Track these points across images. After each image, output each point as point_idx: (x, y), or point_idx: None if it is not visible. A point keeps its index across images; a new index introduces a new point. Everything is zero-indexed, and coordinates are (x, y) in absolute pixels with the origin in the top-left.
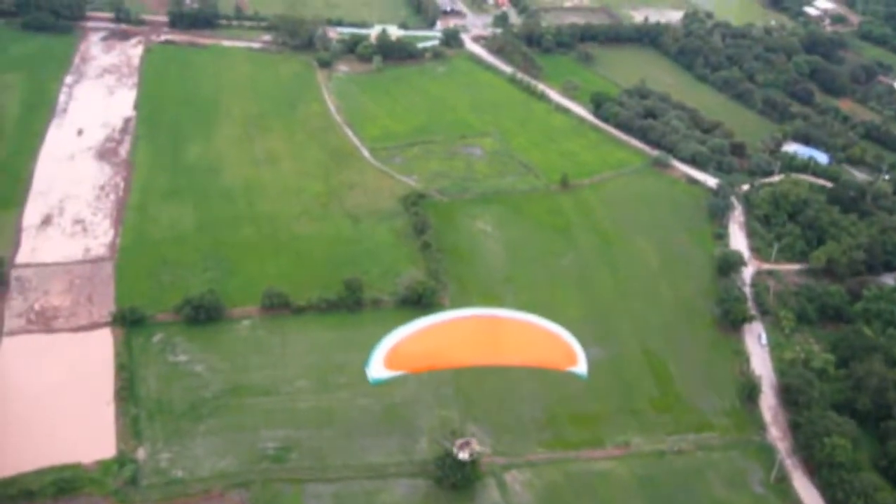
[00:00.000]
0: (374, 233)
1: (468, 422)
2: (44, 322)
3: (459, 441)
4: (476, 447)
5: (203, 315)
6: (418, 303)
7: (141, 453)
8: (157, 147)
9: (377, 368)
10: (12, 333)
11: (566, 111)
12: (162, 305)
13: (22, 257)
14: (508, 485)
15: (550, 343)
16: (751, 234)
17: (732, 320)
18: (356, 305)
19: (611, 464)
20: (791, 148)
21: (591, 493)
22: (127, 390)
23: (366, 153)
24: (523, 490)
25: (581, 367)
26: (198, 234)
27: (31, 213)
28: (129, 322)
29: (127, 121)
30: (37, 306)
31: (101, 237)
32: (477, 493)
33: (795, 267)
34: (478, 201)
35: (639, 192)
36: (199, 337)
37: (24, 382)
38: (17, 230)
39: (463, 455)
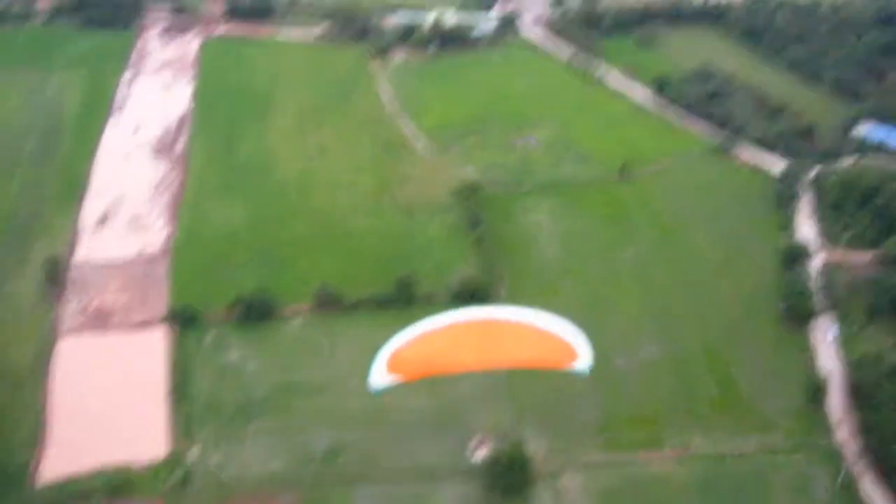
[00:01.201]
0: (428, 227)
1: (522, 423)
2: (99, 321)
3: (475, 441)
4: (491, 446)
5: (254, 314)
6: (471, 298)
7: (192, 454)
8: (211, 143)
9: (377, 377)
10: (69, 333)
11: (626, 96)
12: (214, 304)
13: (79, 257)
14: (562, 489)
15: (549, 342)
16: (819, 222)
17: (798, 315)
18: (408, 302)
19: (669, 467)
20: (863, 129)
21: (648, 497)
22: (179, 390)
23: (420, 144)
24: (578, 494)
25: (582, 363)
26: (250, 230)
27: (89, 213)
28: (182, 321)
29: (182, 117)
30: (93, 306)
31: (155, 235)
32: (530, 497)
33: (867, 257)
34: (534, 193)
35: (701, 180)
36: (250, 335)
37: (79, 383)
38: (75, 230)
39: (479, 455)
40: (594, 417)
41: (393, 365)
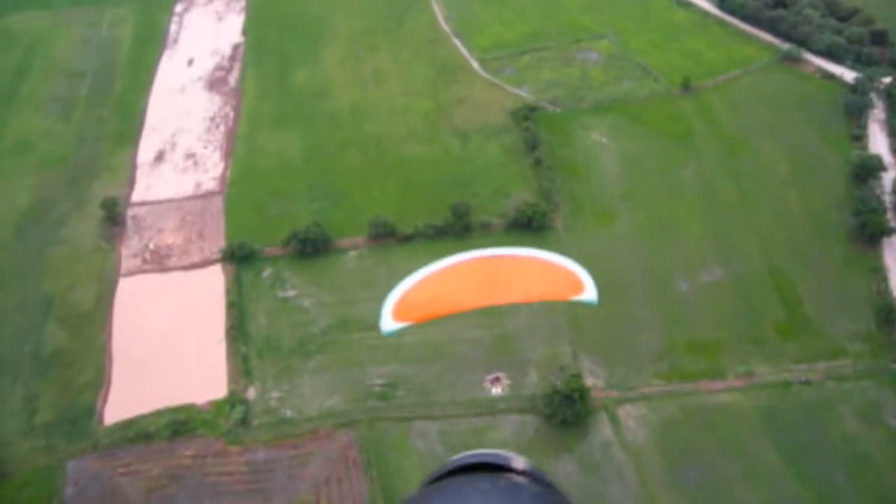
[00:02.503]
0: (484, 151)
1: (580, 354)
2: (157, 261)
3: (490, 377)
4: (506, 382)
5: (310, 248)
6: (528, 225)
7: (251, 393)
8: (264, 73)
9: (387, 321)
10: (129, 274)
11: (688, 5)
12: (270, 239)
13: (137, 196)
14: (622, 420)
15: (554, 274)
16: (892, 135)
17: (870, 234)
18: (464, 231)
19: (731, 396)
20: None
21: (710, 427)
22: (237, 328)
23: (475, 65)
24: (637, 425)
25: (588, 293)
26: (305, 162)
27: (145, 150)
28: (238, 258)
29: (235, 47)
30: (151, 245)
31: (211, 171)
32: (588, 429)
33: None
34: (593, 111)
35: (767, 92)
36: (306, 270)
37: (140, 324)
38: (133, 168)
39: (495, 391)
40: (654, 346)
41: (398, 312)
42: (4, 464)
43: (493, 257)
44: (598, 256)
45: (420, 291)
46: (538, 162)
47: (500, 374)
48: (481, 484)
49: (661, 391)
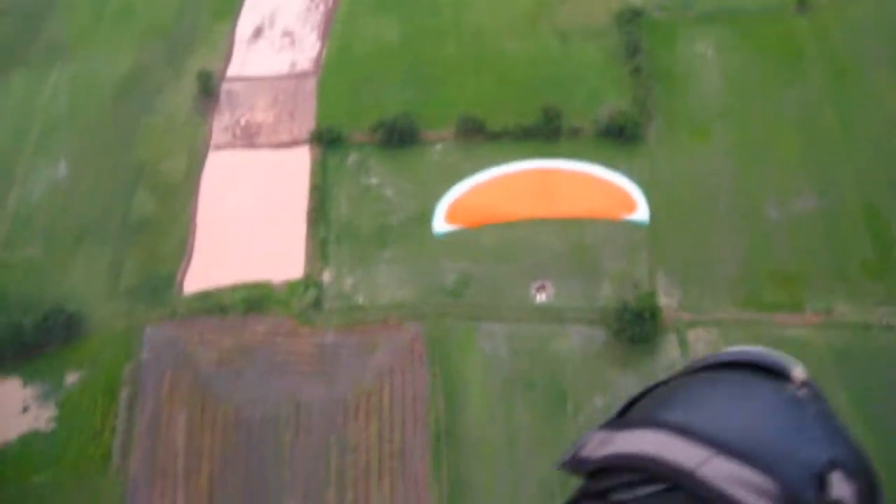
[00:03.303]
0: (582, 53)
1: (657, 271)
2: (247, 138)
3: (536, 284)
4: (551, 290)
5: (396, 138)
6: (619, 135)
7: (326, 276)
8: None
9: (439, 222)
10: (218, 148)
11: None
12: (359, 125)
13: (232, 71)
14: (691, 343)
15: (607, 191)
16: None
17: None
18: (553, 134)
19: (807, 332)
20: None
21: None
22: (318, 211)
23: None
24: (706, 350)
25: (640, 213)
26: (401, 49)
27: (244, 25)
28: (325, 141)
29: None
30: (242, 121)
31: (307, 51)
32: (656, 348)
33: None
34: (700, 20)
35: (890, 14)
36: (391, 160)
37: (224, 198)
38: (230, 42)
39: (540, 298)
40: (733, 271)
41: (451, 215)
42: (88, 323)
43: (548, 169)
44: (686, 173)
45: (474, 196)
46: (637, 70)
47: (546, 283)
48: (763, 389)
49: (735, 318)
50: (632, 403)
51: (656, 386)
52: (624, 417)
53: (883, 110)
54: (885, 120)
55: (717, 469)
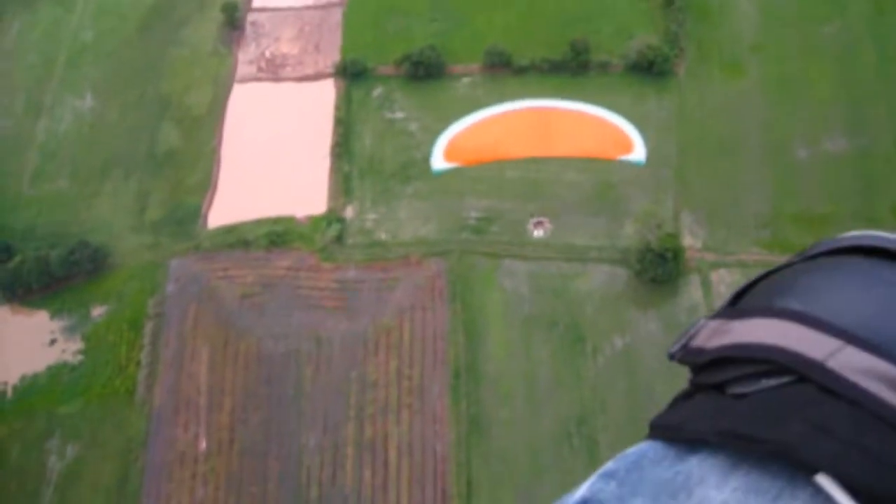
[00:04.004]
0: None
1: (681, 211)
2: (272, 70)
3: (534, 220)
4: (549, 226)
5: (422, 71)
6: (649, 70)
7: (349, 212)
8: None
9: (438, 160)
10: (243, 81)
11: None
12: (384, 58)
13: (257, 1)
14: (714, 284)
15: (604, 131)
16: None
17: None
18: (581, 69)
19: None
20: None
21: None
22: (342, 146)
23: None
24: (728, 292)
25: (637, 153)
26: None
27: None
28: (350, 74)
29: None
30: (267, 53)
31: None
32: (679, 289)
33: None
34: None
35: None
36: (416, 93)
37: (249, 132)
38: None
39: (538, 233)
40: (761, 212)
41: (450, 153)
42: (114, 256)
43: (546, 109)
44: (717, 110)
45: (472, 135)
46: (669, 2)
47: (543, 219)
48: (889, 275)
49: (760, 260)
50: (741, 293)
51: (767, 274)
52: (737, 306)
53: None
54: None
55: (849, 360)
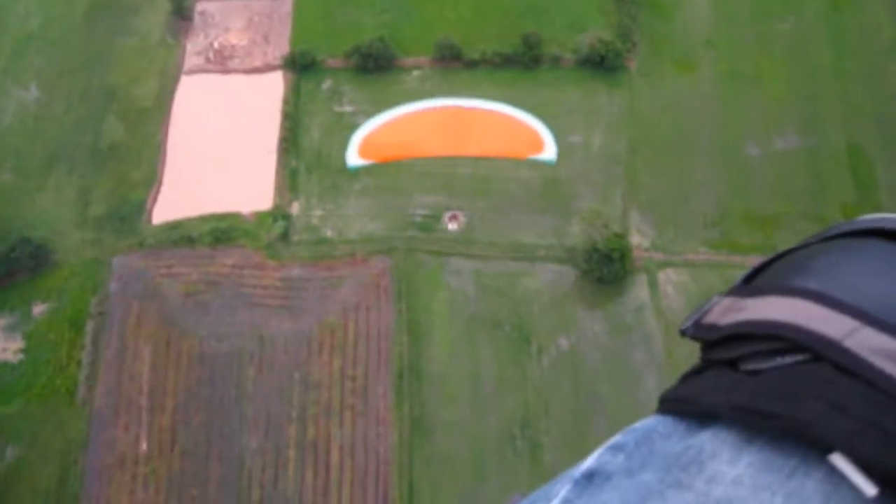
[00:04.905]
0: None
1: (631, 209)
2: (220, 62)
3: (448, 214)
4: (462, 220)
5: (372, 64)
6: (601, 64)
7: (295, 208)
8: None
9: (352, 156)
10: (191, 72)
11: None
12: (333, 50)
13: None
14: (661, 285)
15: (515, 131)
16: None
17: None
18: (533, 62)
19: None
20: None
21: None
22: (290, 140)
23: None
24: (675, 292)
25: (548, 153)
26: None
27: None
28: (300, 66)
29: None
30: (216, 44)
31: None
32: (625, 289)
33: None
34: None
35: None
36: (366, 87)
37: (195, 125)
38: None
39: (451, 227)
40: (709, 211)
41: (364, 149)
42: (56, 253)
43: (459, 108)
44: (669, 106)
45: (386, 132)
46: None
47: (458, 212)
48: None
49: (707, 260)
50: (756, 272)
51: (782, 254)
52: (752, 284)
53: (879, 42)
54: (880, 53)
55: (866, 340)
